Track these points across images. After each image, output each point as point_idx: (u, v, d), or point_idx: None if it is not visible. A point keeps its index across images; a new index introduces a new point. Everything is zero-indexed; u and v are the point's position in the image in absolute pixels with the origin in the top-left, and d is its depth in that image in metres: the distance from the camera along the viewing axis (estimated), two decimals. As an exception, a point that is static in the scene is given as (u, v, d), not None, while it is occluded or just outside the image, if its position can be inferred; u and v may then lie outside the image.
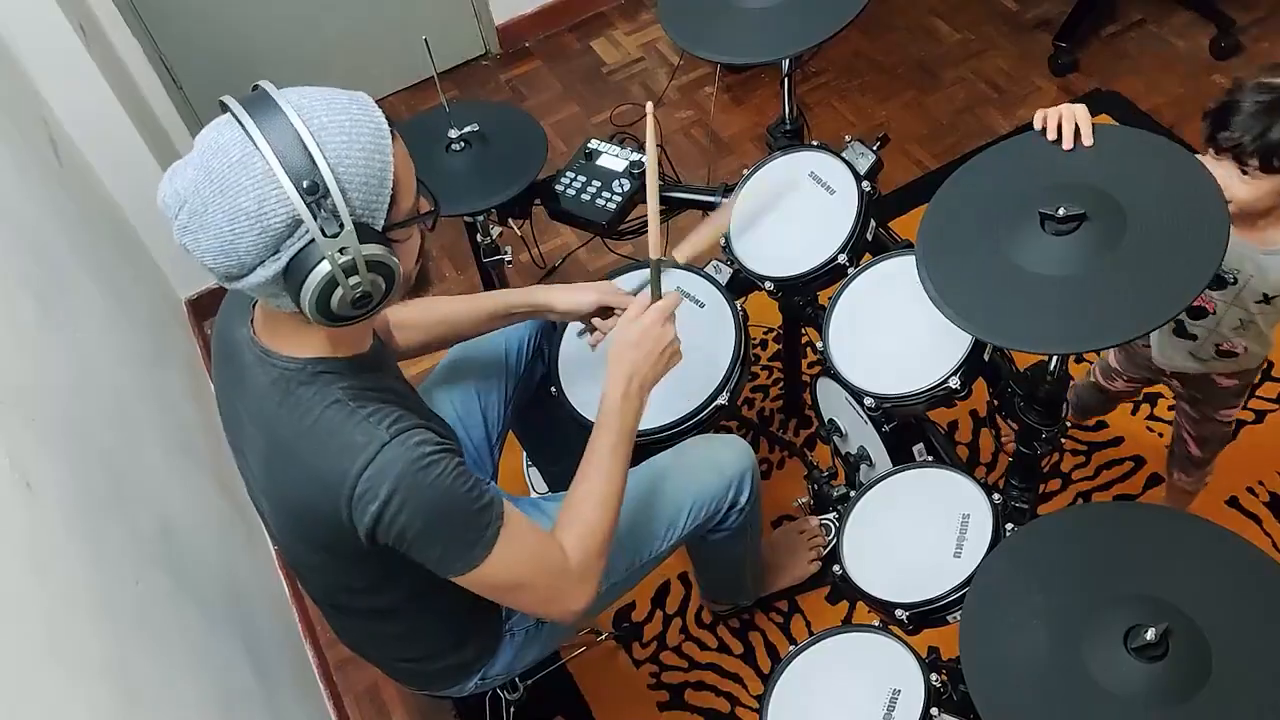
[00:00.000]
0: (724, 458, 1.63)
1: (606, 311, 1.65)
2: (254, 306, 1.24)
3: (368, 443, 1.14)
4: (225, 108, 1.08)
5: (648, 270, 1.74)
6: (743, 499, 1.64)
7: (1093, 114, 1.39)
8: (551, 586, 1.30)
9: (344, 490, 1.15)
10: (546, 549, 1.30)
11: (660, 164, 2.01)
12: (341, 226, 1.05)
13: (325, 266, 1.06)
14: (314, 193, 1.03)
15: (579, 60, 3.23)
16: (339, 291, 1.08)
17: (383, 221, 1.10)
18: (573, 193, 1.97)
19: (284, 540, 1.32)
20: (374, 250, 1.08)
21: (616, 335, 1.42)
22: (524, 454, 2.25)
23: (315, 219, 1.04)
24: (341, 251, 1.06)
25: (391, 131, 1.11)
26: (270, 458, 1.22)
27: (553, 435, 1.97)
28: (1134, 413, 2.21)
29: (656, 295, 1.44)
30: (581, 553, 1.31)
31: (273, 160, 1.03)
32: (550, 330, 1.82)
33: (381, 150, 1.09)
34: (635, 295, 1.61)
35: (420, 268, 1.25)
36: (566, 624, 1.35)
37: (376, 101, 1.15)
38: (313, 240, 1.05)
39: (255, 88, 1.09)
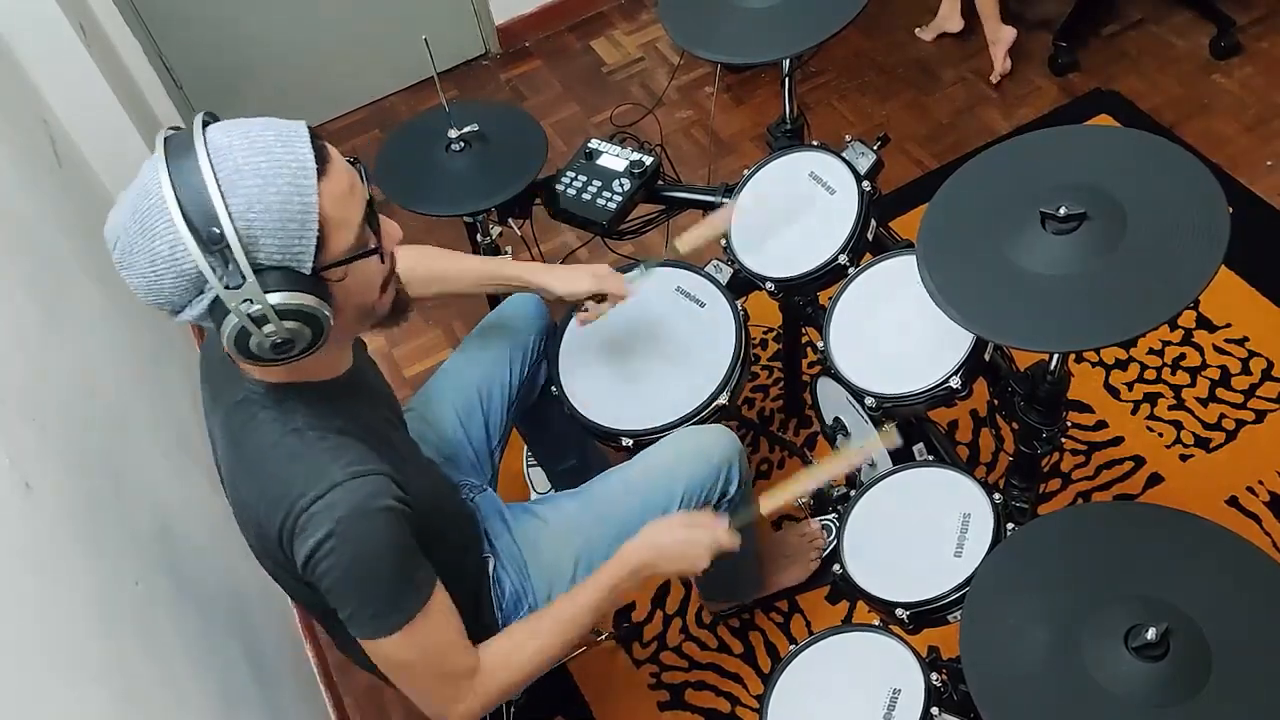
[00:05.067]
0: (709, 446, 1.62)
1: (601, 296, 1.65)
2: None
3: (319, 479, 1.14)
4: (165, 139, 1.06)
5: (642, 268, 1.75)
6: (732, 488, 1.64)
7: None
8: (436, 692, 1.28)
9: (287, 521, 1.15)
10: (454, 657, 1.28)
11: (661, 166, 2.01)
12: (243, 279, 1.03)
13: (233, 318, 1.05)
14: (217, 243, 1.01)
15: (579, 60, 3.23)
16: (254, 338, 1.06)
17: (310, 264, 1.07)
18: (573, 192, 1.97)
19: (255, 553, 1.32)
20: (291, 299, 1.05)
21: (667, 526, 1.45)
22: (525, 455, 2.26)
23: (216, 271, 1.02)
24: (250, 301, 1.04)
25: (321, 168, 1.06)
26: (233, 471, 1.23)
27: (559, 436, 1.97)
28: (1134, 413, 2.21)
29: (731, 527, 1.47)
30: (492, 680, 1.31)
31: (173, 209, 1.01)
32: (553, 331, 1.82)
33: (302, 191, 1.04)
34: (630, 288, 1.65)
35: (396, 297, 1.22)
36: None
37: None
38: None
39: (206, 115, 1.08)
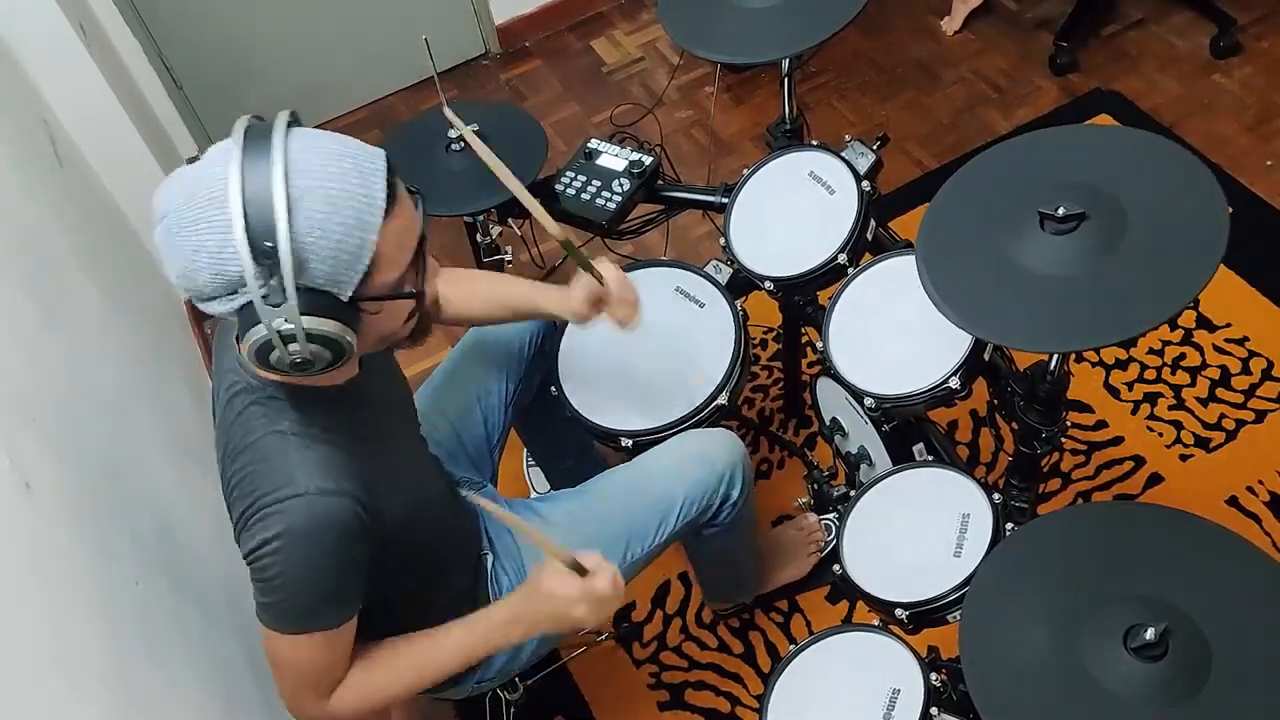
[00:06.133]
0: (713, 451, 1.62)
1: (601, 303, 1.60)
2: None
3: (286, 484, 1.14)
4: (243, 128, 1.05)
5: (647, 269, 1.73)
6: (735, 493, 1.64)
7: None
8: (295, 694, 1.28)
9: (246, 512, 1.16)
10: (327, 676, 1.27)
11: (661, 166, 2.01)
12: (284, 299, 1.02)
13: (263, 329, 1.04)
14: (268, 257, 1.00)
15: (579, 60, 3.23)
16: (276, 353, 1.07)
17: (350, 292, 1.07)
18: (573, 192, 1.97)
19: None
20: (322, 324, 1.05)
21: (549, 576, 1.28)
22: (524, 455, 2.26)
23: (261, 284, 1.02)
24: (285, 319, 1.04)
25: (389, 207, 1.06)
26: (219, 450, 1.24)
27: (556, 435, 1.97)
28: (1134, 413, 2.21)
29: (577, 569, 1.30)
30: (346, 704, 1.29)
31: (236, 213, 1.00)
32: (552, 330, 1.82)
33: (365, 226, 1.05)
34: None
35: (419, 321, 1.22)
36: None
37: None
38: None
39: (291, 114, 1.06)
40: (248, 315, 1.05)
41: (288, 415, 1.18)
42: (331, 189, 1.03)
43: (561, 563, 1.27)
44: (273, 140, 1.02)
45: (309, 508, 1.14)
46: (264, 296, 1.02)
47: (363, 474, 1.20)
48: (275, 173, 1.01)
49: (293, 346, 1.06)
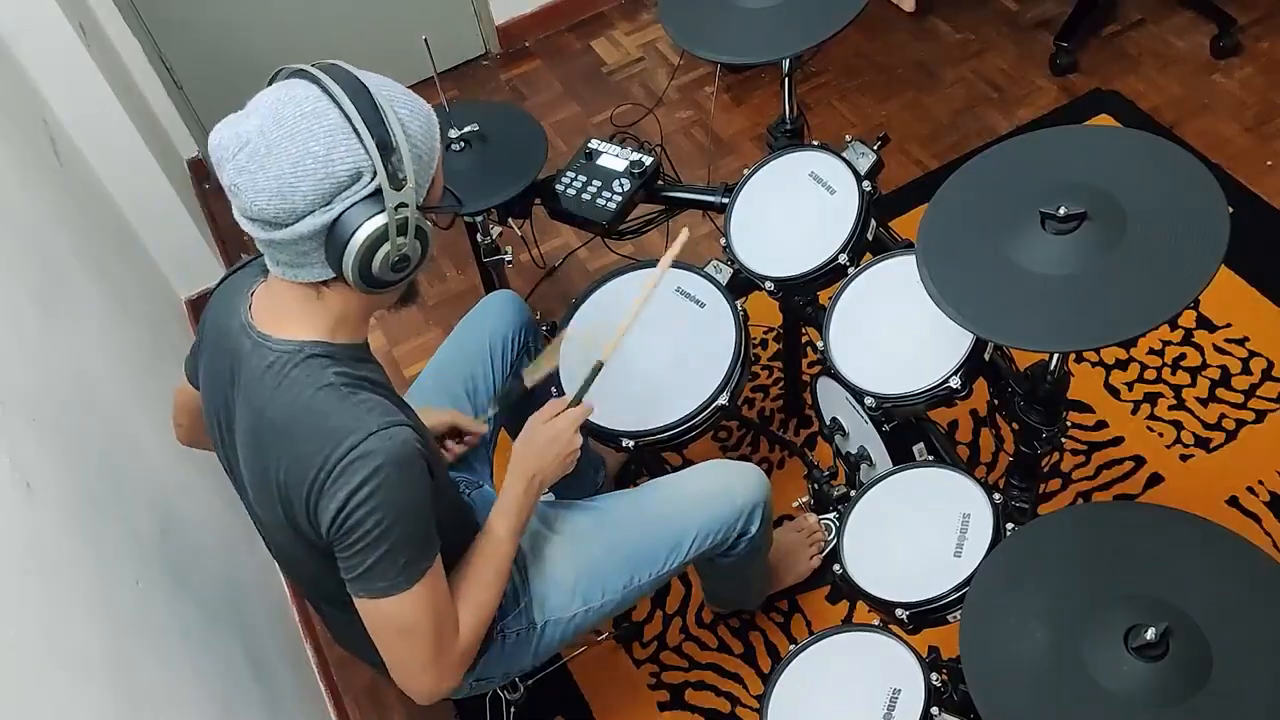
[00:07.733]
0: (737, 486, 1.62)
1: (457, 433, 1.65)
2: (251, 294, 1.25)
3: (356, 428, 1.14)
4: (291, 73, 1.13)
5: (648, 269, 1.74)
6: (753, 529, 1.64)
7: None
8: (433, 654, 1.26)
9: (320, 474, 1.14)
10: (450, 614, 1.28)
11: (661, 164, 2.01)
12: (404, 181, 1.10)
13: (381, 220, 1.09)
14: (383, 148, 1.08)
15: (579, 60, 3.23)
16: (385, 249, 1.12)
17: (423, 196, 1.15)
18: (573, 192, 1.97)
19: (268, 532, 1.32)
20: (420, 217, 1.14)
21: (528, 433, 1.47)
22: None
23: (384, 170, 1.08)
24: (398, 209, 1.10)
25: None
26: (257, 441, 1.21)
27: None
28: (1134, 413, 2.21)
29: (577, 400, 1.50)
30: (469, 632, 1.31)
31: (351, 110, 1.07)
32: (533, 328, 1.82)
33: (433, 128, 1.16)
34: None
35: (411, 285, 1.27)
36: (419, 701, 1.31)
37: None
38: (370, 194, 1.09)
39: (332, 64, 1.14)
40: (347, 222, 1.09)
41: (330, 369, 1.19)
42: (407, 99, 1.14)
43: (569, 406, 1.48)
44: (343, 67, 1.12)
45: (387, 441, 1.15)
46: (389, 181, 1.09)
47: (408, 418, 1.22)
48: (366, 80, 1.10)
49: (401, 240, 1.12)
